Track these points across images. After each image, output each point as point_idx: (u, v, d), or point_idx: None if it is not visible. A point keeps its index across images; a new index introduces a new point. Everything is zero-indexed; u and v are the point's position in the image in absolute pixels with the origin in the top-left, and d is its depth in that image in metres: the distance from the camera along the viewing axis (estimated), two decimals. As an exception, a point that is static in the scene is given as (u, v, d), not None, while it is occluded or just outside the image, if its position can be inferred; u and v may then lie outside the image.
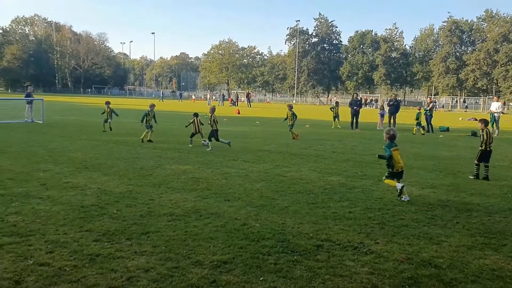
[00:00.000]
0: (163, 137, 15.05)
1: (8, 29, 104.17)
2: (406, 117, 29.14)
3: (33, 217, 5.69)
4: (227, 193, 7.26)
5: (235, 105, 52.29)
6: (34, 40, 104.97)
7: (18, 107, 26.71)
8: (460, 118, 35.63)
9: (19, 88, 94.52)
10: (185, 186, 7.76)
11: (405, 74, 79.11)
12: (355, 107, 22.00)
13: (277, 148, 13.49)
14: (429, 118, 21.32)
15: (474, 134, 19.16)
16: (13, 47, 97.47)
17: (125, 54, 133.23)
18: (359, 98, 25.80)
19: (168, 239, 4.97)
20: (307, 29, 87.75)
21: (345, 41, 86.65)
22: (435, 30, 76.12)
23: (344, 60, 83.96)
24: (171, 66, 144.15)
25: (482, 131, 9.23)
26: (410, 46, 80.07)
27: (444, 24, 72.31)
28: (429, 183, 8.55)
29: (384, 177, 7.38)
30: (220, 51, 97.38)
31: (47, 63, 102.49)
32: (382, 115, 23.11)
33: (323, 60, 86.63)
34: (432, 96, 67.09)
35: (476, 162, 9.25)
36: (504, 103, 25.11)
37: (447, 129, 22.15)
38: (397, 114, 22.94)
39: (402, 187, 7.02)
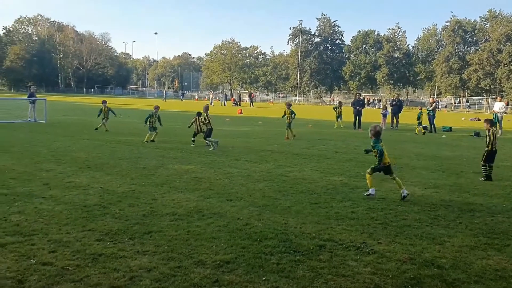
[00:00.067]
0: (166, 137, 15.05)
1: (11, 29, 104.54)
2: (408, 117, 29.03)
3: (36, 216, 5.70)
4: (230, 193, 7.26)
5: (238, 105, 52.31)
6: (37, 40, 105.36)
7: (21, 107, 26.74)
8: (463, 118, 35.54)
9: (22, 88, 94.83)
10: (187, 186, 7.77)
11: (407, 74, 78.92)
12: (357, 107, 21.99)
13: (279, 148, 13.48)
14: (432, 118, 21.26)
15: (477, 134, 19.10)
16: (16, 47, 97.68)
17: (127, 54, 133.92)
18: (361, 98, 25.79)
19: (170, 239, 4.98)
20: (310, 29, 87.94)
21: (347, 41, 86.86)
22: (438, 30, 76.02)
23: (346, 60, 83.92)
24: (174, 66, 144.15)
25: (488, 131, 9.08)
26: (413, 46, 79.98)
27: (447, 24, 72.14)
28: (432, 183, 8.53)
29: (369, 170, 7.31)
30: (222, 51, 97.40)
31: (50, 63, 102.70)
32: (384, 115, 23.08)
33: (326, 60, 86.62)
34: (435, 96, 67.00)
35: (482, 163, 9.12)
36: (507, 103, 25.00)
37: (450, 129, 22.09)
38: (399, 114, 22.93)
39: (374, 192, 7.18)
